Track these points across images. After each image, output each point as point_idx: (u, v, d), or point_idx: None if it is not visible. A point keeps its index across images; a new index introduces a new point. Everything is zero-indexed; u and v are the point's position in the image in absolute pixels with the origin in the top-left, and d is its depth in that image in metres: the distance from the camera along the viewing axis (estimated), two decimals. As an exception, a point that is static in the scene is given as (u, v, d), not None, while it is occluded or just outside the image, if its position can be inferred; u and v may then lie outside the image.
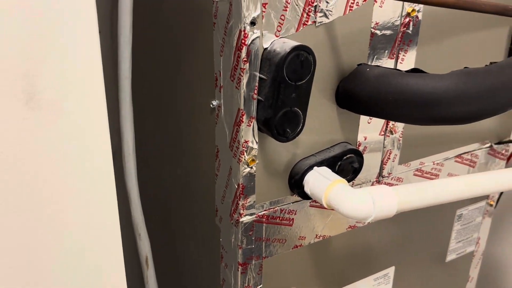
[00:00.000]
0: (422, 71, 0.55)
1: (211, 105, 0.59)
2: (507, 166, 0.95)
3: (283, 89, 0.51)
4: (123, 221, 0.74)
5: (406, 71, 0.55)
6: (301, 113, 0.54)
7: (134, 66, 0.64)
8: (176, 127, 0.73)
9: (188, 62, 0.65)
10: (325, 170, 0.59)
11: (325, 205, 0.57)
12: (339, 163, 0.62)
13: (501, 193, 0.98)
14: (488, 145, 0.85)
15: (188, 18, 0.62)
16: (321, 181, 0.58)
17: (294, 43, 0.50)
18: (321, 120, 0.61)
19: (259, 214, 0.61)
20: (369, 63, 0.61)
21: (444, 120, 0.53)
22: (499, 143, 0.87)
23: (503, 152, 0.89)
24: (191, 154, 0.71)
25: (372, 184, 0.71)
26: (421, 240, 0.85)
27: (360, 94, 0.57)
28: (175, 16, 0.65)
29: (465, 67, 0.54)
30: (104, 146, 0.39)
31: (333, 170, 0.62)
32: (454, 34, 0.69)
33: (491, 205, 0.94)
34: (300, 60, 0.50)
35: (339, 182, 0.57)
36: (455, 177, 0.65)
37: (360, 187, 0.70)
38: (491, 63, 0.57)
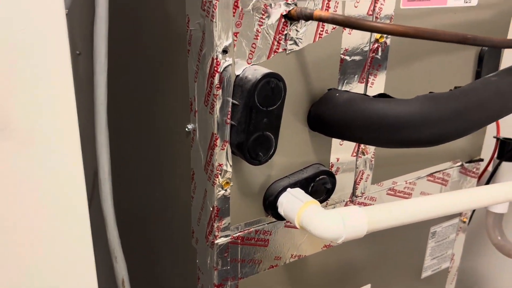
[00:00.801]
0: (389, 96, 0.57)
1: (186, 129, 0.61)
2: (478, 184, 0.98)
3: (255, 115, 0.53)
4: (100, 244, 0.74)
5: (374, 96, 0.57)
6: (273, 137, 0.55)
7: (111, 88, 0.65)
8: (154, 150, 0.74)
9: (166, 86, 0.66)
10: (298, 192, 0.61)
11: (298, 226, 0.58)
12: (312, 184, 0.64)
13: (474, 210, 1.01)
14: (459, 163, 0.88)
15: (165, 43, 0.63)
16: (294, 203, 0.59)
17: (265, 71, 0.52)
18: (294, 142, 0.62)
19: (234, 235, 0.62)
20: (339, 88, 0.63)
21: (410, 143, 0.55)
22: (470, 161, 0.90)
23: (474, 170, 0.91)
24: (168, 176, 0.72)
25: (346, 204, 0.73)
26: (396, 257, 0.87)
27: (330, 118, 0.59)
28: (153, 40, 0.67)
29: (430, 92, 0.57)
30: (77, 175, 0.40)
31: (307, 191, 0.63)
32: (423, 58, 0.72)
33: (464, 222, 0.96)
34: (271, 87, 0.52)
35: (311, 203, 0.58)
36: (424, 197, 0.67)
37: (334, 207, 0.71)
38: (455, 87, 0.60)
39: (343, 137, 0.61)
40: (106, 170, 0.60)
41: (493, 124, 0.97)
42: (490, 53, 0.79)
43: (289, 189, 0.61)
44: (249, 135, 0.53)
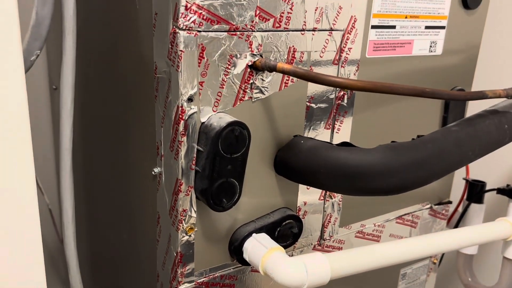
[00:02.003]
0: (351, 145, 0.58)
1: (153, 172, 0.61)
2: (448, 224, 1.00)
3: (219, 161, 0.53)
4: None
5: (337, 145, 0.58)
6: (237, 183, 0.56)
7: (82, 124, 0.66)
8: (123, 190, 0.74)
9: (136, 127, 0.67)
10: (263, 237, 0.61)
11: (262, 273, 0.58)
12: (278, 229, 0.64)
13: (445, 250, 1.02)
14: (428, 206, 0.89)
15: (137, 84, 0.64)
16: (258, 249, 0.59)
17: (229, 119, 0.53)
18: (261, 186, 0.63)
19: (199, 281, 0.61)
20: (305, 134, 0.64)
21: (370, 192, 0.56)
22: (439, 203, 0.92)
23: (443, 212, 0.93)
24: (135, 218, 0.71)
25: (314, 247, 0.73)
26: (367, 299, 0.87)
27: (294, 164, 0.59)
28: (126, 79, 0.67)
29: (392, 141, 0.58)
30: (33, 225, 0.40)
31: (273, 236, 0.63)
32: (390, 103, 0.74)
33: (434, 263, 0.97)
34: (235, 135, 0.53)
35: (276, 250, 0.58)
36: (390, 242, 0.67)
37: (302, 250, 0.71)
38: (418, 136, 0.61)
39: (307, 183, 0.62)
40: (70, 214, 0.60)
41: (463, 166, 0.99)
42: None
43: (254, 234, 0.61)
44: (213, 181, 0.54)
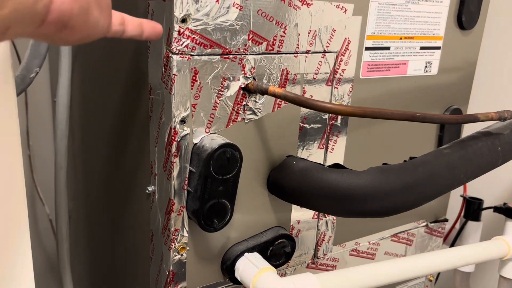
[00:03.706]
0: (342, 167, 0.59)
1: (147, 191, 0.62)
2: (445, 242, 0.99)
3: (210, 183, 0.54)
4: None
5: (328, 166, 0.59)
6: (228, 204, 0.56)
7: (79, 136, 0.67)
8: (119, 206, 0.75)
9: (132, 145, 0.68)
10: (255, 257, 0.61)
11: (253, 293, 0.58)
12: (271, 248, 0.64)
13: (442, 268, 1.01)
14: (424, 224, 0.89)
15: (134, 103, 0.65)
16: (250, 269, 0.59)
17: (221, 141, 0.54)
18: (254, 206, 0.64)
19: (191, 299, 0.62)
20: (299, 153, 0.65)
21: (361, 214, 0.57)
22: (435, 221, 0.92)
23: (439, 230, 0.93)
24: (131, 235, 0.72)
25: (308, 266, 0.73)
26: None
27: (286, 185, 0.60)
28: (124, 95, 0.68)
29: (384, 163, 0.59)
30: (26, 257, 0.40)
31: (265, 255, 0.64)
32: (385, 123, 0.75)
33: (430, 281, 0.97)
34: (227, 157, 0.53)
35: (267, 270, 0.59)
36: (383, 262, 0.67)
37: (295, 269, 0.72)
38: (410, 158, 0.62)
39: (299, 204, 0.62)
40: (64, 225, 0.60)
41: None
42: (450, 119, 0.82)
43: (246, 253, 0.62)
44: (204, 202, 0.54)
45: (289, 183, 0.60)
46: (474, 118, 0.60)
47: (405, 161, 0.60)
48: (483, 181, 1.05)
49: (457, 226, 1.00)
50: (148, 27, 0.45)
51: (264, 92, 0.54)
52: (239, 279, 0.61)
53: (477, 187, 1.02)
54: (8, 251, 0.41)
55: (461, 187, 0.99)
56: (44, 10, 0.30)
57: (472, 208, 0.97)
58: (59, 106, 0.58)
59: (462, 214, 0.99)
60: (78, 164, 0.88)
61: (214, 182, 0.54)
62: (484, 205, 0.97)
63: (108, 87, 0.72)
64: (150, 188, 0.61)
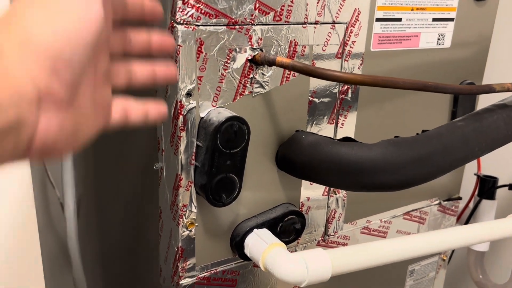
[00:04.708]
0: (353, 140, 0.57)
1: (155, 167, 0.61)
2: (458, 221, 0.98)
3: (218, 157, 0.53)
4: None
5: (338, 140, 0.57)
6: (236, 179, 0.55)
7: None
8: (128, 184, 0.75)
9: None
10: (264, 233, 0.61)
11: (262, 268, 0.58)
12: (280, 225, 0.63)
13: (455, 247, 1.00)
14: (437, 202, 0.88)
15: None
16: (259, 244, 0.59)
17: (228, 114, 0.53)
18: (263, 182, 0.63)
19: (200, 276, 0.61)
20: (308, 129, 0.63)
21: (373, 188, 0.55)
22: (448, 199, 0.90)
23: (453, 208, 0.91)
24: (140, 213, 0.72)
25: (318, 243, 0.72)
26: (373, 296, 0.86)
27: (295, 160, 0.59)
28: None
29: (395, 136, 0.57)
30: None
31: (275, 231, 0.63)
32: (396, 98, 0.73)
33: (444, 260, 0.96)
34: (234, 130, 0.52)
35: (276, 245, 0.58)
36: (394, 239, 0.66)
37: (306, 246, 0.71)
38: (423, 131, 0.60)
39: (308, 179, 0.61)
40: (71, 208, 0.60)
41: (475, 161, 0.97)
42: (464, 93, 0.80)
43: (255, 229, 0.61)
44: (212, 177, 0.53)
45: (299, 157, 0.59)
46: (489, 89, 0.58)
47: (417, 134, 0.58)
48: (498, 159, 1.03)
49: (471, 205, 0.98)
50: (153, 111, 0.42)
51: (271, 63, 0.53)
52: (248, 255, 0.60)
53: (493, 165, 1.00)
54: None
55: (475, 165, 0.97)
56: (27, 144, 0.29)
57: (487, 186, 0.96)
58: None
59: (476, 192, 0.97)
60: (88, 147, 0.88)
61: (221, 156, 0.53)
62: (499, 183, 0.95)
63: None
64: (158, 165, 0.60)
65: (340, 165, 0.54)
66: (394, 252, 0.63)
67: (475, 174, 0.97)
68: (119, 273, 0.87)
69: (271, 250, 0.57)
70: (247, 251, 0.60)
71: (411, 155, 0.54)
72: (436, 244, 0.68)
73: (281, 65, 0.52)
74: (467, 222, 0.95)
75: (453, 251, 0.99)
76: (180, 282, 0.60)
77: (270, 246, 0.58)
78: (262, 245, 0.58)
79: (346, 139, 0.58)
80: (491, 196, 0.95)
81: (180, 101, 0.52)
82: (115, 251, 0.87)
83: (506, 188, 0.96)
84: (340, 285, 0.79)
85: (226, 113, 0.53)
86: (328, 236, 0.73)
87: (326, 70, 0.48)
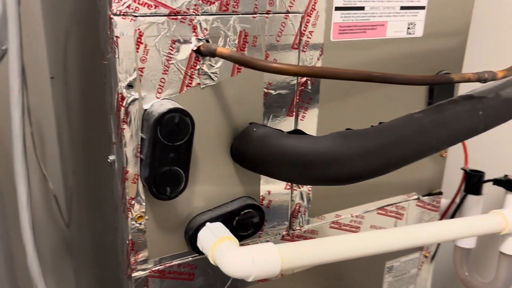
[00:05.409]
0: (303, 133, 0.56)
1: (109, 160, 0.61)
2: (444, 218, 0.95)
3: (160, 149, 0.52)
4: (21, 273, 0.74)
5: (288, 132, 0.56)
6: (182, 172, 0.55)
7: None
8: (96, 179, 0.75)
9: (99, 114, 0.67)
10: (217, 226, 0.60)
11: (212, 262, 0.57)
12: (236, 218, 0.63)
13: (438, 244, 0.97)
14: (415, 197, 0.85)
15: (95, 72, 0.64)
16: (209, 238, 0.58)
17: (170, 106, 0.52)
18: (219, 175, 0.62)
19: (154, 269, 0.61)
20: (266, 122, 0.62)
21: (321, 181, 0.54)
22: (428, 194, 0.87)
23: (434, 204, 0.89)
24: (103, 207, 0.72)
25: (283, 238, 0.71)
26: (349, 292, 0.84)
27: (246, 153, 0.58)
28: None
29: (347, 129, 0.56)
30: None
31: (231, 225, 0.62)
32: (367, 91, 0.71)
33: (426, 257, 0.93)
34: (175, 122, 0.52)
35: (226, 239, 0.57)
36: (354, 234, 0.65)
37: (269, 240, 0.70)
38: (380, 123, 0.58)
39: (259, 172, 0.60)
40: (25, 199, 0.61)
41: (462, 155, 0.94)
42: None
43: (208, 223, 0.60)
44: (154, 169, 0.53)
45: (249, 150, 0.58)
46: (446, 79, 0.56)
47: (372, 126, 0.56)
48: (487, 153, 1.00)
49: (458, 200, 0.95)
50: None
51: (213, 54, 0.52)
52: (200, 249, 0.60)
53: (481, 159, 0.97)
54: None
55: (463, 159, 0.94)
56: None
57: (473, 181, 0.92)
58: (11, 69, 0.57)
59: (463, 188, 0.94)
60: (78, 140, 0.88)
61: (164, 149, 0.53)
62: (487, 178, 0.92)
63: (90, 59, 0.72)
64: (111, 157, 0.60)
65: (287, 157, 0.53)
66: (352, 247, 0.62)
67: (461, 169, 0.94)
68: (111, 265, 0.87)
69: (220, 244, 0.57)
70: (199, 244, 0.60)
71: (360, 148, 0.52)
72: (404, 240, 0.67)
73: (221, 56, 0.51)
74: (452, 218, 0.93)
75: (437, 248, 0.97)
76: (133, 275, 0.60)
77: (219, 240, 0.57)
78: (212, 239, 0.58)
79: (296, 132, 0.56)
80: (477, 191, 0.92)
81: (121, 93, 0.52)
82: (105, 245, 0.87)
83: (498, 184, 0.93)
84: (315, 281, 0.78)
85: (168, 105, 0.52)
86: (294, 230, 0.72)
87: (261, 61, 0.47)
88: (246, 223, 0.64)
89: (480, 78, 0.58)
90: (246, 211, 0.63)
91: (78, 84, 0.80)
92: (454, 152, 1.03)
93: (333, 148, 0.52)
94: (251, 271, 0.54)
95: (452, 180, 0.95)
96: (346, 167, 0.52)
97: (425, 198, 0.86)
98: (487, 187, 0.93)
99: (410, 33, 0.71)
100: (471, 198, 0.92)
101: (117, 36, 0.50)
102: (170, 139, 0.52)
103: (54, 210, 1.17)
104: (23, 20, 0.62)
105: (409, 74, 0.53)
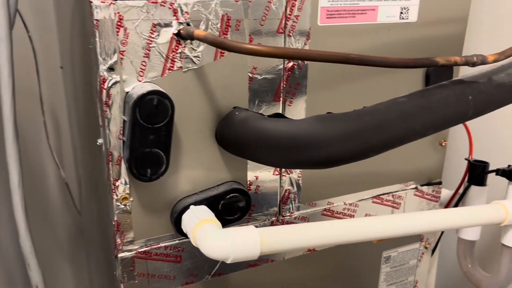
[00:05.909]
0: (283, 116, 0.56)
1: (97, 143, 0.62)
2: (447, 207, 0.93)
3: (139, 131, 0.53)
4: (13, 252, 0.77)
5: (269, 116, 0.56)
6: (163, 154, 0.56)
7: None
8: (94, 163, 0.77)
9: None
10: (200, 209, 0.60)
11: (194, 244, 0.58)
12: (222, 202, 0.63)
13: (441, 233, 0.96)
14: (413, 186, 0.84)
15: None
16: (192, 221, 0.59)
17: (149, 88, 0.53)
18: (205, 159, 0.62)
19: (140, 250, 0.62)
20: (251, 107, 0.62)
21: (298, 165, 0.54)
22: (427, 184, 0.86)
23: (434, 193, 0.87)
24: (99, 189, 0.74)
25: (272, 223, 0.71)
26: (345, 281, 0.84)
27: (228, 137, 0.58)
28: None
29: (327, 112, 0.55)
30: None
31: (217, 209, 0.63)
32: (360, 76, 0.70)
33: (426, 248, 0.92)
34: (154, 104, 0.52)
35: (207, 221, 0.58)
36: (344, 220, 0.64)
37: (258, 226, 0.70)
38: (364, 108, 0.57)
39: (241, 156, 0.60)
40: (16, 180, 0.63)
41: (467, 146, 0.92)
42: (437, 71, 0.76)
43: (192, 206, 0.61)
44: (134, 151, 0.54)
45: (230, 134, 0.58)
46: (429, 62, 0.54)
47: (354, 110, 0.56)
48: (492, 143, 0.97)
49: (461, 191, 0.93)
50: None
51: (192, 36, 0.52)
52: (184, 231, 0.61)
53: (487, 150, 0.95)
54: None
55: (467, 150, 0.92)
56: None
57: (476, 172, 0.90)
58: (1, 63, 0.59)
59: (467, 178, 0.92)
60: (84, 127, 0.90)
61: (143, 131, 0.53)
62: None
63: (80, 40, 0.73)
64: (100, 141, 0.62)
65: (265, 140, 0.53)
66: (337, 233, 0.61)
67: (465, 159, 0.92)
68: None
69: (201, 225, 0.57)
70: (183, 227, 0.61)
71: (337, 131, 0.52)
72: (393, 228, 0.66)
73: (198, 38, 0.51)
74: (454, 209, 0.91)
75: (438, 239, 0.95)
76: (119, 256, 0.61)
77: (200, 221, 0.58)
78: (194, 221, 0.58)
79: (277, 116, 0.56)
80: (481, 182, 0.90)
81: (102, 76, 0.53)
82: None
83: (502, 174, 0.90)
84: (311, 270, 0.78)
85: (147, 87, 0.53)
86: (283, 217, 0.72)
87: (234, 42, 0.47)
88: (232, 207, 0.64)
89: (468, 61, 0.57)
90: (231, 195, 0.63)
91: (83, 74, 0.82)
92: (458, 142, 1.01)
93: (309, 131, 0.52)
94: (229, 252, 0.54)
95: (458, 171, 0.93)
96: (324, 150, 0.52)
97: (424, 188, 0.85)
98: (494, 179, 0.90)
99: (403, 18, 0.70)
100: (474, 189, 0.90)
101: (96, 20, 0.51)
102: (149, 121, 0.53)
103: (68, 198, 1.20)
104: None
105: (389, 57, 0.52)
